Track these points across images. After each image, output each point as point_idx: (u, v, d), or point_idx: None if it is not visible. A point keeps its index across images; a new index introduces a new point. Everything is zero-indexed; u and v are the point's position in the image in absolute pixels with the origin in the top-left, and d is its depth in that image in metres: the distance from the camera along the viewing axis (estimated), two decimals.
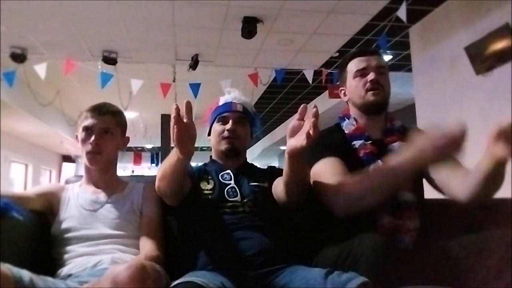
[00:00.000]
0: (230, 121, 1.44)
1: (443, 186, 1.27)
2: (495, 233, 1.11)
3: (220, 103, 1.52)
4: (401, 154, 1.09)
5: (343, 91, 1.42)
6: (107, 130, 1.34)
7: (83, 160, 1.37)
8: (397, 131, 1.37)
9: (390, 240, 1.04)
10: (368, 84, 1.30)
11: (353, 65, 1.35)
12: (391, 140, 1.34)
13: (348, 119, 1.39)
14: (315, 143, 1.32)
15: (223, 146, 1.43)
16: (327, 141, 1.32)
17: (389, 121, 1.40)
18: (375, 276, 0.96)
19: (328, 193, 1.17)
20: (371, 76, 1.30)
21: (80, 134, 1.34)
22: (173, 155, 1.17)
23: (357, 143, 1.31)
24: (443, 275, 1.10)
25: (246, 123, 1.49)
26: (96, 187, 1.38)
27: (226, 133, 1.43)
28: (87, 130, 1.33)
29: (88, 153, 1.32)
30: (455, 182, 1.22)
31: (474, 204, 1.19)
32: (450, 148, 1.03)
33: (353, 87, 1.35)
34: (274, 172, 1.47)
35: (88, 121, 1.33)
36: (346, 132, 1.37)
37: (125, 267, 0.85)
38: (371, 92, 1.30)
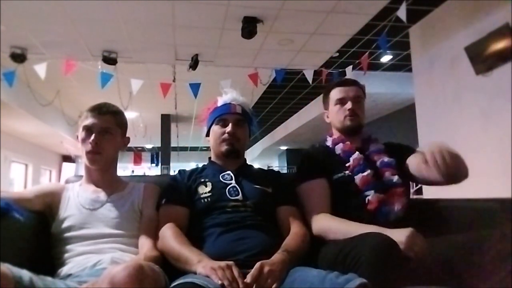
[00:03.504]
0: (230, 124, 1.44)
1: (423, 178, 1.43)
2: (492, 232, 1.10)
3: (219, 104, 1.52)
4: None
5: (326, 114, 1.65)
6: (107, 130, 1.34)
7: (83, 160, 1.37)
8: (374, 140, 1.60)
9: (391, 240, 1.03)
10: (346, 112, 1.53)
11: (334, 94, 1.58)
12: (381, 155, 1.51)
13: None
14: (305, 159, 1.58)
15: (223, 147, 1.44)
16: (314, 159, 1.56)
17: (365, 136, 1.61)
18: (375, 276, 0.95)
19: (310, 220, 1.38)
20: (348, 105, 1.52)
21: (80, 134, 1.34)
22: (189, 261, 1.13)
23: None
24: (440, 275, 1.09)
25: (245, 124, 1.50)
26: (96, 186, 1.38)
27: (226, 136, 1.44)
28: (87, 129, 1.33)
29: (88, 152, 1.32)
30: (427, 171, 1.34)
31: (452, 178, 1.29)
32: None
33: (334, 113, 1.57)
34: (279, 178, 1.49)
35: (88, 121, 1.33)
36: (336, 149, 1.55)
37: (122, 268, 0.85)
38: (348, 118, 1.52)
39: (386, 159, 1.48)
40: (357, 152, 1.49)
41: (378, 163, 1.47)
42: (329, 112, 1.61)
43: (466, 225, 1.37)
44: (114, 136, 1.36)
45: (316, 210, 1.38)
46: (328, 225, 1.33)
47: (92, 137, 1.31)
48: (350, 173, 1.44)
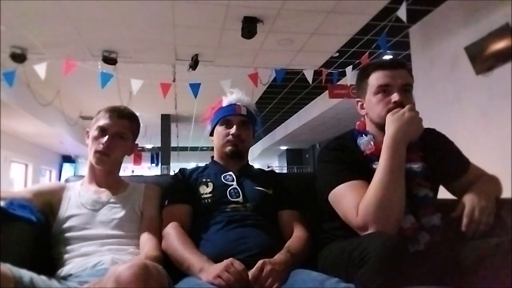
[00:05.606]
0: (235, 126, 1.44)
1: None
2: (505, 239, 1.05)
3: (224, 104, 1.51)
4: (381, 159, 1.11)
5: (360, 103, 1.28)
6: (121, 134, 1.35)
7: (90, 158, 1.36)
8: (417, 148, 1.24)
9: (401, 239, 0.98)
10: (391, 105, 1.17)
11: (375, 79, 1.20)
12: (411, 157, 1.20)
13: (366, 135, 1.25)
14: (334, 157, 1.22)
15: (227, 148, 1.44)
16: (347, 157, 1.21)
17: None
18: (382, 271, 0.92)
19: (351, 218, 1.10)
20: (395, 97, 1.16)
21: (93, 132, 1.34)
22: (191, 268, 1.13)
23: (376, 165, 1.15)
24: (447, 278, 1.08)
25: (250, 126, 1.50)
26: (99, 187, 1.38)
27: (230, 137, 1.44)
28: (102, 130, 1.33)
29: (96, 152, 1.32)
30: None
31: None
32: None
33: (373, 104, 1.20)
34: (280, 180, 1.49)
35: (105, 121, 1.33)
36: (363, 149, 1.24)
37: (127, 267, 0.85)
38: None
39: (415, 165, 1.20)
40: None
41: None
42: (365, 101, 1.24)
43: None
44: (126, 141, 1.38)
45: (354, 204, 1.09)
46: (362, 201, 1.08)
47: (105, 138, 1.31)
48: None
